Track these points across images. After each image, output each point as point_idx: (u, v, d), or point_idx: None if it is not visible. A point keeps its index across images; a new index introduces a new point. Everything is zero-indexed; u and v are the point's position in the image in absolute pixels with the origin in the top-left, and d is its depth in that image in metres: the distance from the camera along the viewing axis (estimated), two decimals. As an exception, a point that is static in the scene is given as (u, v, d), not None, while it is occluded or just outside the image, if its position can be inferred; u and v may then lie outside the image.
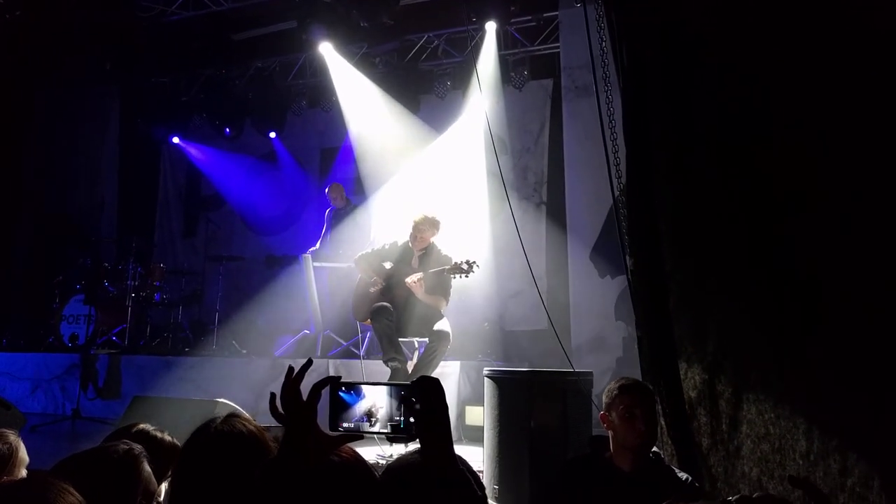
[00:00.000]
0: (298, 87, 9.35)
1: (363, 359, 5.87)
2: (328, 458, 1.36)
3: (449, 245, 5.42)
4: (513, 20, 7.91)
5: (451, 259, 5.16)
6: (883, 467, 2.20)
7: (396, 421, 1.49)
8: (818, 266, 2.48)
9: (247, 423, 1.68)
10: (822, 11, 2.49)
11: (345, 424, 1.49)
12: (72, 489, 1.38)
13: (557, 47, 7.79)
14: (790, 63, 2.63)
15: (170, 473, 1.80)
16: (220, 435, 1.64)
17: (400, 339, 5.10)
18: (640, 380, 2.76)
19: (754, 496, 1.14)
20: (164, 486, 1.85)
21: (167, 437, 2.16)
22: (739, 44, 2.81)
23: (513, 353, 7.07)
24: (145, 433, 2.12)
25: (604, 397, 2.64)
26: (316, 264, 6.91)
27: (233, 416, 1.72)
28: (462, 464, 1.47)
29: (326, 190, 7.68)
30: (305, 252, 7.12)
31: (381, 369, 5.15)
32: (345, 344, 6.59)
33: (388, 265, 5.37)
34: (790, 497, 2.14)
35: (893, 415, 2.22)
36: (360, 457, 1.44)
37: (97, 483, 1.62)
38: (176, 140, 9.98)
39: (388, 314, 5.05)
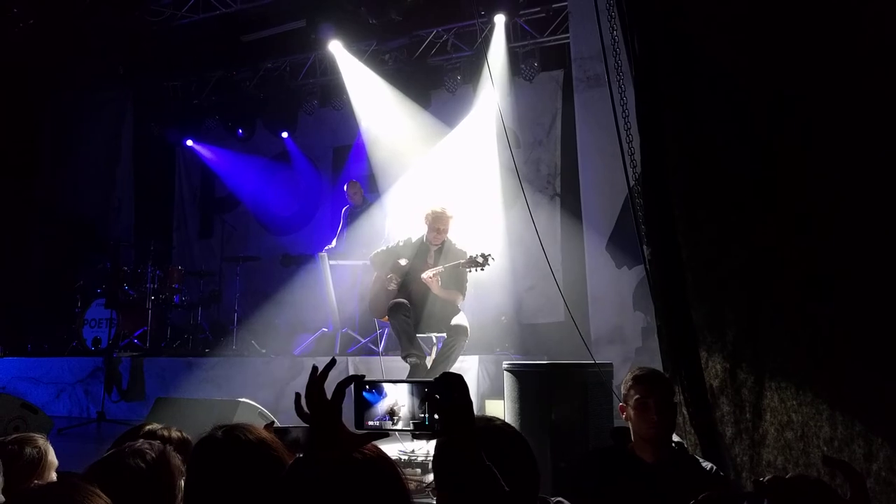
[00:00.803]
0: (309, 86, 9.37)
1: (382, 355, 5.89)
2: (353, 455, 1.37)
3: (463, 239, 5.42)
4: (521, 12, 7.87)
5: (466, 253, 5.16)
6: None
7: (419, 419, 1.48)
8: (838, 251, 2.47)
9: (248, 433, 1.68)
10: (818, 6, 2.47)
11: (369, 423, 1.50)
12: (99, 492, 1.39)
13: (567, 38, 7.74)
14: (791, 51, 2.62)
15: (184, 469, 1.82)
16: (223, 444, 1.65)
17: (418, 335, 5.12)
18: (660, 370, 2.74)
19: (788, 476, 1.13)
20: (181, 483, 1.87)
21: (175, 434, 2.18)
22: (740, 34, 2.79)
23: (531, 346, 7.06)
24: (153, 433, 2.15)
25: (621, 388, 2.63)
26: (332, 262, 6.94)
27: (238, 426, 1.72)
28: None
29: (345, 187, 7.73)
30: (321, 250, 7.15)
31: (400, 365, 5.17)
32: (363, 341, 6.62)
33: (403, 262, 5.38)
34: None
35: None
36: (384, 453, 1.45)
37: (133, 483, 1.64)
38: (190, 142, 10.05)
39: (405, 310, 5.06)
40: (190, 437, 2.16)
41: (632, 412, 2.53)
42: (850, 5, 2.40)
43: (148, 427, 2.18)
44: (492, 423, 1.90)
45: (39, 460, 2.10)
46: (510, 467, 1.66)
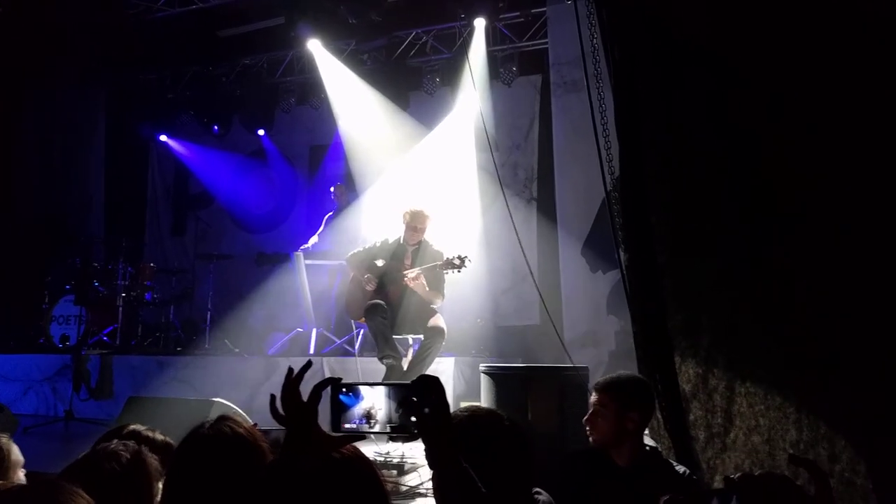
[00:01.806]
0: (287, 83, 9.30)
1: (358, 356, 5.88)
2: (331, 456, 1.37)
3: (440, 241, 5.43)
4: (501, 16, 7.91)
5: (443, 254, 5.17)
6: (868, 453, 2.27)
7: (396, 422, 1.48)
8: (806, 261, 2.53)
9: (235, 426, 1.68)
10: (811, 14, 2.53)
11: (346, 425, 1.50)
12: (82, 492, 1.38)
13: (545, 43, 7.81)
14: (774, 63, 2.67)
15: (165, 472, 1.81)
16: (210, 439, 1.65)
17: (394, 336, 5.12)
18: (630, 375, 2.76)
19: (757, 473, 1.16)
20: (159, 485, 1.85)
21: (159, 436, 2.17)
22: (727, 45, 2.84)
23: (506, 348, 7.10)
24: (137, 433, 2.12)
25: None
26: (308, 262, 6.91)
27: (223, 418, 1.72)
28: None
29: (332, 189, 7.72)
30: (297, 249, 7.11)
31: (375, 367, 5.16)
32: (338, 342, 6.59)
33: (380, 262, 5.37)
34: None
35: (877, 403, 2.28)
36: (362, 454, 1.46)
37: (108, 485, 1.62)
38: (163, 138, 9.90)
39: (382, 311, 5.06)
40: (172, 441, 2.14)
41: None
42: (842, 15, 2.46)
43: (132, 427, 2.15)
44: (478, 411, 1.92)
45: (1, 461, 2.06)
46: (498, 452, 1.69)
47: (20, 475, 2.11)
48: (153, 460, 1.78)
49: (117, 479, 1.68)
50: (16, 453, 2.12)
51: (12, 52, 7.94)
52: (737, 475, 1.15)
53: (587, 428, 2.59)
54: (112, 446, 1.78)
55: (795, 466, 1.45)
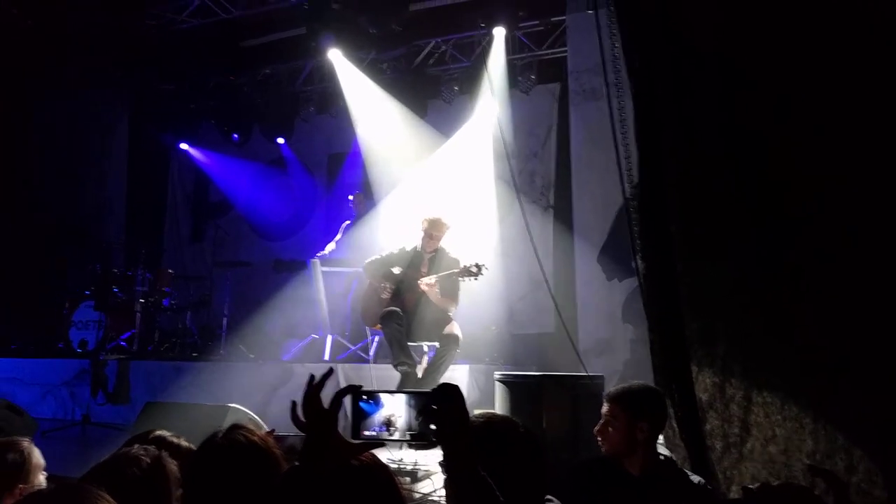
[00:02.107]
0: (307, 93, 9.38)
1: (373, 363, 5.88)
2: (349, 463, 1.37)
3: (457, 249, 5.43)
4: (520, 25, 7.93)
5: (459, 262, 5.17)
6: (885, 463, 2.23)
7: (416, 430, 1.47)
8: (814, 264, 2.51)
9: (248, 434, 1.69)
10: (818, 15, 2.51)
11: (366, 432, 1.49)
12: (106, 495, 1.39)
13: (564, 51, 7.80)
14: (793, 69, 2.65)
15: None
16: (224, 448, 1.66)
17: (409, 344, 5.11)
18: (641, 385, 2.76)
19: (775, 484, 1.14)
20: (179, 491, 1.86)
21: (184, 443, 2.18)
22: (734, 47, 2.83)
23: (521, 356, 7.06)
24: (162, 439, 2.14)
25: None
26: (325, 269, 6.94)
27: (236, 426, 1.73)
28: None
29: (350, 197, 7.74)
30: (314, 257, 7.15)
31: (390, 374, 5.16)
32: (353, 348, 6.59)
33: (396, 270, 5.38)
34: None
35: (890, 407, 2.25)
36: (380, 461, 1.45)
37: (129, 489, 1.63)
38: (184, 146, 10.03)
39: (397, 319, 5.06)
40: (195, 448, 2.15)
41: None
42: (848, 16, 2.44)
43: (157, 433, 2.17)
44: (493, 417, 1.92)
45: (23, 464, 2.08)
46: (512, 460, 1.68)
47: (41, 479, 2.13)
48: (173, 466, 1.78)
49: (137, 484, 1.69)
50: (37, 457, 2.14)
51: (35, 59, 8.09)
52: (755, 485, 1.13)
53: (598, 438, 2.60)
54: (133, 451, 1.79)
55: (813, 476, 1.42)
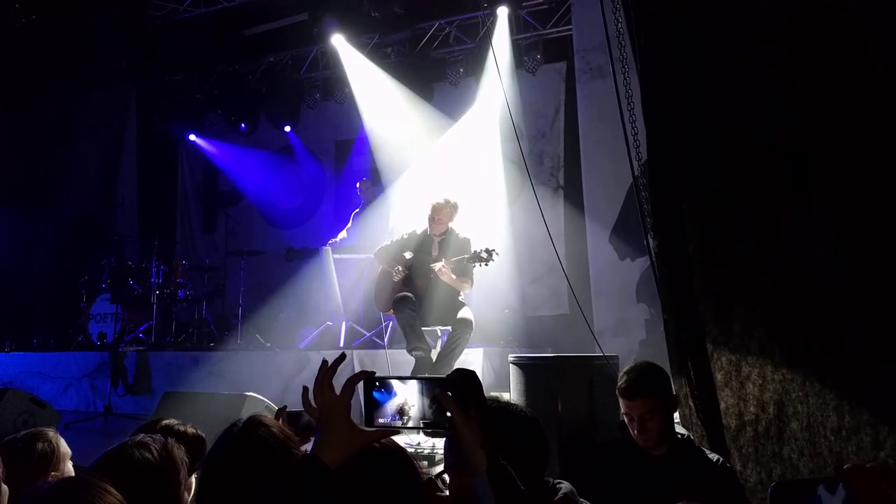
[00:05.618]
0: (311, 79, 9.35)
1: (387, 349, 5.91)
2: (366, 447, 1.36)
3: (468, 232, 5.42)
4: (524, 4, 7.84)
5: (469, 242, 5.17)
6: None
7: (429, 419, 1.41)
8: (847, 244, 2.47)
9: (264, 428, 1.69)
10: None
11: (380, 420, 1.46)
12: (110, 488, 1.39)
13: (570, 30, 7.72)
14: (804, 44, 2.61)
15: (198, 466, 1.83)
16: (239, 442, 1.67)
17: (423, 328, 5.13)
18: (652, 366, 2.64)
19: (868, 465, 1.11)
20: (193, 479, 1.88)
21: (190, 430, 2.21)
22: (746, 33, 2.78)
23: (535, 338, 7.07)
24: (169, 427, 2.17)
25: None
26: (337, 256, 6.95)
27: (252, 419, 1.73)
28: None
29: (357, 185, 7.70)
30: (325, 244, 7.16)
31: (405, 358, 5.18)
32: (367, 334, 6.63)
33: (408, 255, 5.39)
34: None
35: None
36: (398, 444, 1.45)
37: (136, 476, 1.65)
38: (193, 137, 10.04)
39: (410, 304, 5.07)
40: (203, 434, 2.18)
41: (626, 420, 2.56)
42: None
43: (165, 422, 2.20)
44: (497, 401, 1.92)
45: (52, 453, 2.13)
46: (518, 443, 1.68)
47: (69, 466, 2.17)
48: (180, 451, 1.80)
49: (145, 470, 1.70)
50: (64, 446, 2.19)
51: (44, 53, 8.11)
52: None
53: (640, 437, 2.48)
54: (139, 438, 1.81)
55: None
